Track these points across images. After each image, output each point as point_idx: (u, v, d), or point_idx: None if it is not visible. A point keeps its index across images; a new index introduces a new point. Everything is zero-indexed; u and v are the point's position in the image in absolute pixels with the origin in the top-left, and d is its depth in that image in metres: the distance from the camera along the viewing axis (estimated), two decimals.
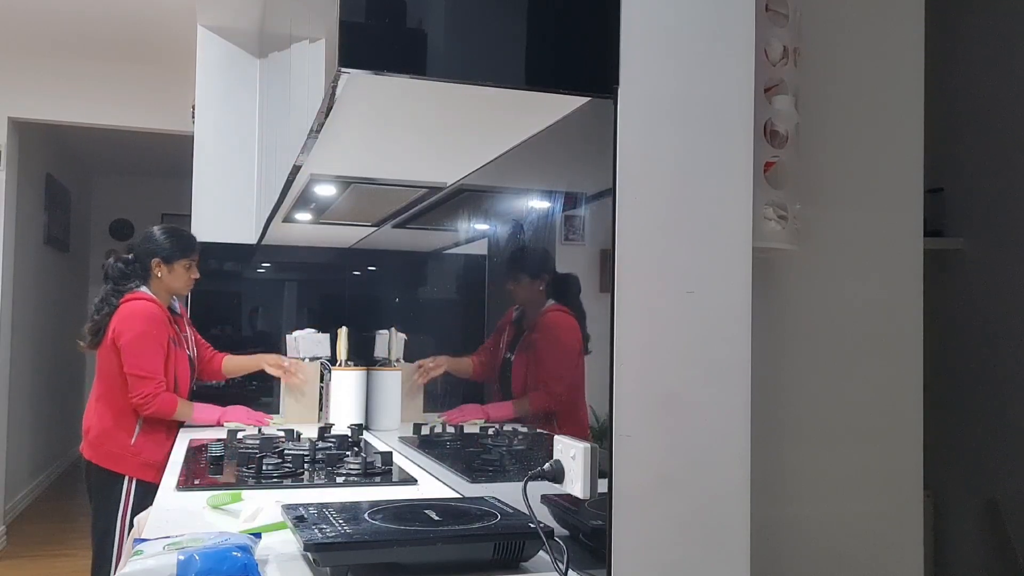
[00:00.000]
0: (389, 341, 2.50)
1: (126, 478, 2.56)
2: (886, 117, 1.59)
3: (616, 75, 1.12)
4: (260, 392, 3.08)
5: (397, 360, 2.45)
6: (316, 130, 1.39)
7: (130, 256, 2.69)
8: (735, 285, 1.14)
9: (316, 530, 1.19)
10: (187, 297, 3.01)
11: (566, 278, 1.34)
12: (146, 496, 2.54)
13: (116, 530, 2.55)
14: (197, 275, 2.75)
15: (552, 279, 1.40)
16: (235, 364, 2.96)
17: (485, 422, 2.13)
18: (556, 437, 1.21)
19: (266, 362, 2.91)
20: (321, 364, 2.92)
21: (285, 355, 3.01)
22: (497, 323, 1.66)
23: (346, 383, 2.71)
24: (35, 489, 5.71)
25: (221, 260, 3.21)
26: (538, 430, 1.41)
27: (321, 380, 2.92)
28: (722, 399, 1.13)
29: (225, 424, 2.63)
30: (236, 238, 3.02)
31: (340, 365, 2.74)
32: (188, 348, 2.77)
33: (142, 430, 2.57)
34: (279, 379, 2.94)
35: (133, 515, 2.51)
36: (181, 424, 2.74)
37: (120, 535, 2.55)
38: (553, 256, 1.40)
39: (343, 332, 2.79)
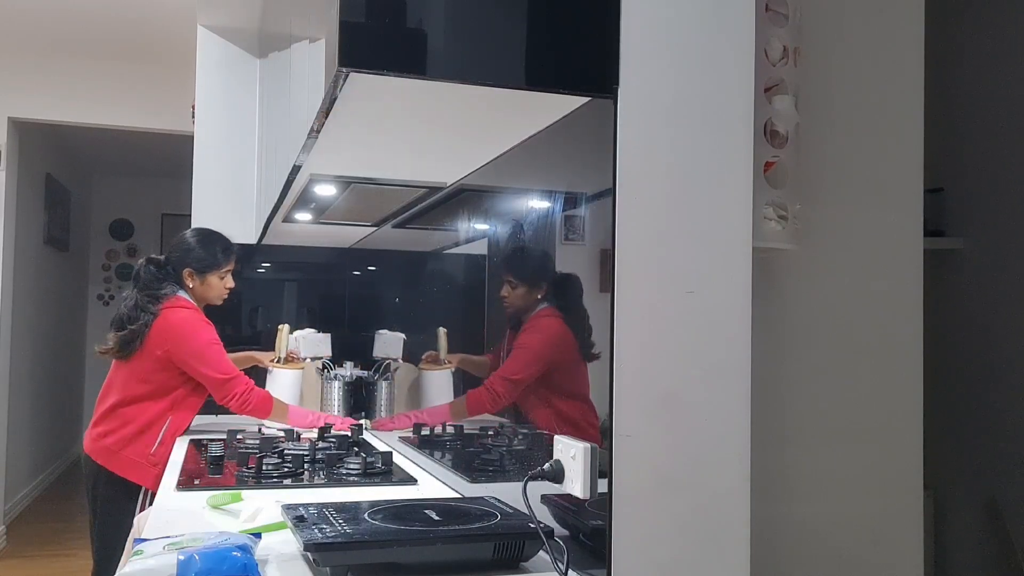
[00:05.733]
0: (388, 342, 2.50)
1: (142, 490, 2.47)
2: (886, 117, 1.59)
3: (616, 75, 1.12)
4: None
5: (397, 369, 2.45)
6: (316, 130, 1.39)
7: (162, 258, 2.56)
8: (735, 285, 1.14)
9: (316, 530, 1.19)
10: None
11: (565, 280, 1.33)
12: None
13: (125, 540, 2.52)
14: (232, 285, 2.63)
15: (549, 283, 1.38)
16: None
17: (416, 424, 2.12)
18: (556, 437, 1.21)
19: (257, 357, 2.88)
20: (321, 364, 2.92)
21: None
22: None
23: (345, 383, 2.71)
24: (35, 489, 5.71)
25: None
26: (537, 430, 1.41)
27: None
28: (722, 399, 1.13)
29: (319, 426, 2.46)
30: (236, 238, 3.00)
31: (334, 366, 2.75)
32: None
33: (162, 441, 2.47)
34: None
35: None
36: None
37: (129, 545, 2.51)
38: (552, 259, 1.38)
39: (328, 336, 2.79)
